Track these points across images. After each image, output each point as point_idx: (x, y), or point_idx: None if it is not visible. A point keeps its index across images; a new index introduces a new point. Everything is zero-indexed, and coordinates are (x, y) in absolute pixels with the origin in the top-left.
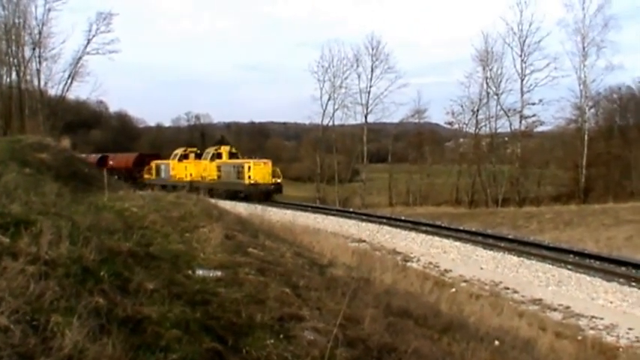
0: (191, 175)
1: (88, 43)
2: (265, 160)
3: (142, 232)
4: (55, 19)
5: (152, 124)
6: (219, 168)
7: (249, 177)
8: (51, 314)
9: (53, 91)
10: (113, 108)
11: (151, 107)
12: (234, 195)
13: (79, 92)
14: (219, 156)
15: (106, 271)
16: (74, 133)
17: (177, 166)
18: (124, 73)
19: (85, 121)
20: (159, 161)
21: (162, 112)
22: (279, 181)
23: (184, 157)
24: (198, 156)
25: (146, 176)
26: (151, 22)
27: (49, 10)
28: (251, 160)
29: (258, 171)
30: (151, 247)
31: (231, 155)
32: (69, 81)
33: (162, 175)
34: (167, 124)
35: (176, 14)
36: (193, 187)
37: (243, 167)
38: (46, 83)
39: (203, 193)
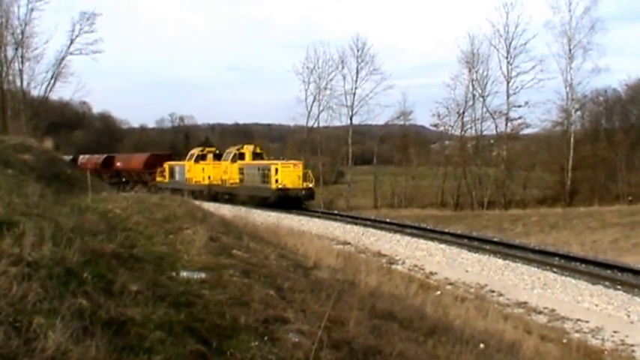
0: (209, 178)
1: (72, 43)
2: (295, 162)
3: (125, 234)
4: (38, 18)
5: (136, 125)
6: (241, 170)
7: (277, 181)
8: (34, 316)
9: (36, 92)
10: (96, 109)
11: (135, 108)
12: (260, 202)
13: (62, 93)
14: (241, 156)
15: (90, 273)
16: (57, 134)
17: (193, 168)
18: (107, 74)
19: (68, 122)
20: (173, 163)
21: (146, 113)
22: (310, 185)
23: (202, 157)
24: (218, 157)
25: (159, 179)
26: (134, 24)
27: (32, 9)
28: (278, 162)
29: (287, 174)
30: (134, 249)
31: (256, 156)
32: (52, 81)
33: (177, 177)
34: (151, 125)
35: (160, 16)
36: (212, 191)
37: (269, 170)
38: (28, 84)
39: (191, 197)
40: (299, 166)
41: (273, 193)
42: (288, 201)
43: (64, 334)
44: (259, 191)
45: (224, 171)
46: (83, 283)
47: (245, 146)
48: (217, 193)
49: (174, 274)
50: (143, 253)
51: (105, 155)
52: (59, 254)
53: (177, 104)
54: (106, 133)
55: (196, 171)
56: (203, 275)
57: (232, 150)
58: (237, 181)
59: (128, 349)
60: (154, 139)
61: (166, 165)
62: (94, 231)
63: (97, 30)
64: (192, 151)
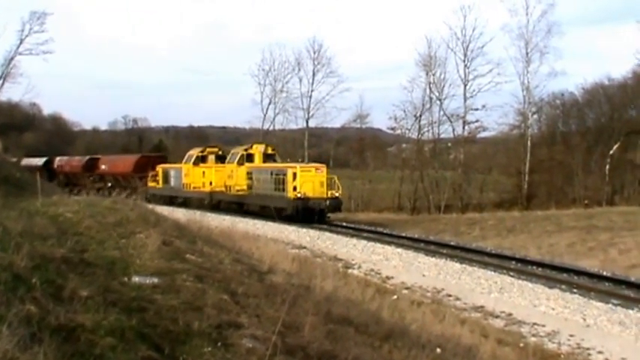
0: (211, 184)
1: (21, 43)
2: (317, 165)
3: (76, 238)
4: None
5: (88, 127)
6: (250, 175)
7: (295, 188)
8: None
9: None
10: (47, 110)
11: (87, 110)
12: (275, 214)
13: (11, 94)
14: (249, 158)
15: (39, 278)
16: (6, 136)
17: (192, 172)
18: (58, 75)
19: (17, 124)
20: (167, 165)
21: (98, 115)
22: (337, 194)
23: (202, 159)
24: (221, 158)
25: (151, 184)
26: (86, 25)
27: None
28: (297, 165)
29: (308, 180)
30: (85, 254)
31: (267, 157)
32: (0, 82)
33: (172, 183)
34: (104, 127)
35: (112, 17)
36: (214, 200)
37: (285, 174)
38: None
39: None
40: (322, 170)
41: (291, 203)
42: (308, 213)
43: (11, 341)
44: (273, 201)
45: (229, 175)
46: (32, 289)
47: (254, 146)
48: (221, 202)
49: (126, 279)
50: (94, 257)
51: (87, 157)
52: (7, 259)
53: (130, 106)
54: (57, 135)
55: (195, 175)
56: (156, 280)
57: (239, 150)
58: (245, 188)
59: (78, 355)
60: (106, 141)
61: (159, 168)
62: (43, 235)
63: (48, 30)
64: (190, 152)
